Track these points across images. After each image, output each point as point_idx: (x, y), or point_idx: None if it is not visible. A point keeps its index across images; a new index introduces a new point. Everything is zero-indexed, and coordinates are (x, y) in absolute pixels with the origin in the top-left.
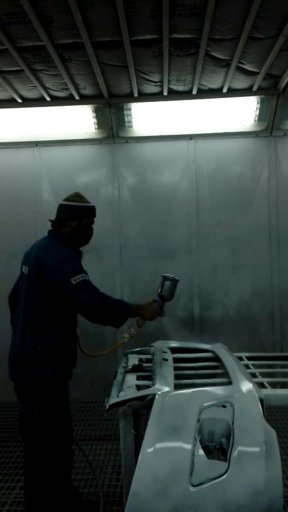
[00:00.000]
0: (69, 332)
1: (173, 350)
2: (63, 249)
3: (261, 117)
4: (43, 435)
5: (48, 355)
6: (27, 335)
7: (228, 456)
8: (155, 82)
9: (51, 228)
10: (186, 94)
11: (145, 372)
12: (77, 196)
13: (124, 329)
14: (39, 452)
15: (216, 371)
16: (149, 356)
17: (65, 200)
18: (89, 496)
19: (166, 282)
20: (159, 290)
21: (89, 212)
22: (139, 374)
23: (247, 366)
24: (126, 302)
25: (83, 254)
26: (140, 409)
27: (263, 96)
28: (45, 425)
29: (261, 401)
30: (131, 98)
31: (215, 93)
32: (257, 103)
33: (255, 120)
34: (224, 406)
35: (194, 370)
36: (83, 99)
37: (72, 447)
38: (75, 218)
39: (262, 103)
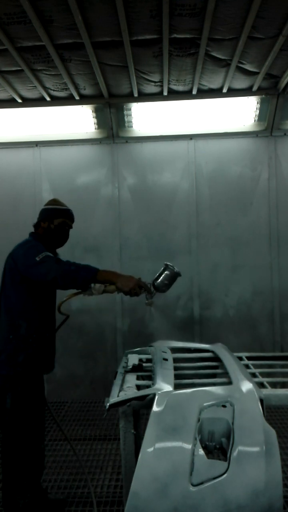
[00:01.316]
0: (43, 325)
1: (173, 350)
2: (32, 241)
3: (261, 117)
4: (14, 428)
5: (19, 344)
6: (1, 326)
7: (228, 456)
8: (155, 82)
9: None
10: (186, 94)
11: (145, 372)
12: (53, 200)
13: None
14: (11, 445)
15: (216, 371)
16: (149, 356)
17: (44, 205)
18: (56, 495)
19: (165, 271)
20: (156, 277)
21: (59, 213)
22: (139, 374)
23: (247, 366)
24: (94, 267)
25: (58, 255)
26: (140, 409)
27: (263, 96)
28: (16, 417)
29: (261, 401)
30: (131, 98)
31: (215, 93)
32: (257, 103)
33: (255, 120)
34: (224, 406)
35: (194, 370)
36: (83, 99)
37: (43, 444)
38: (46, 219)
39: (262, 103)
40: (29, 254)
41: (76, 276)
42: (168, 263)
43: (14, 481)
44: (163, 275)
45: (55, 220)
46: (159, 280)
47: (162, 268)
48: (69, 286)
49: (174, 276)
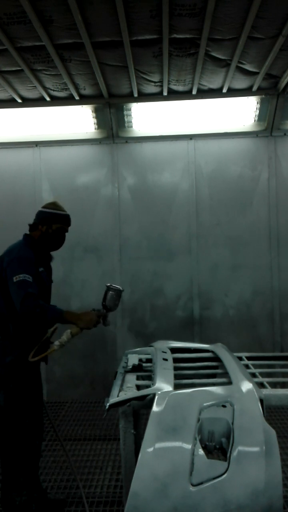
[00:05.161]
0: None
1: (173, 350)
2: (22, 249)
3: (261, 117)
4: (8, 425)
5: (7, 344)
6: None
7: (228, 456)
8: (155, 82)
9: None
10: (186, 94)
11: (145, 372)
12: (52, 204)
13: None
14: (6, 442)
15: (216, 371)
16: (149, 356)
17: (42, 207)
18: (56, 495)
19: (110, 292)
20: (103, 300)
21: (59, 218)
22: (139, 374)
23: (247, 366)
24: (59, 308)
25: (53, 258)
26: (140, 409)
27: (263, 96)
28: (10, 414)
29: (261, 401)
30: (131, 98)
31: (215, 93)
32: (257, 103)
33: (255, 120)
34: (224, 406)
35: (194, 370)
36: (83, 99)
37: (40, 442)
38: (45, 223)
39: (262, 103)
40: (13, 267)
41: (41, 318)
42: (109, 284)
43: (10, 478)
44: (109, 296)
45: (54, 225)
46: (108, 302)
47: (105, 290)
48: (33, 325)
49: (119, 294)
